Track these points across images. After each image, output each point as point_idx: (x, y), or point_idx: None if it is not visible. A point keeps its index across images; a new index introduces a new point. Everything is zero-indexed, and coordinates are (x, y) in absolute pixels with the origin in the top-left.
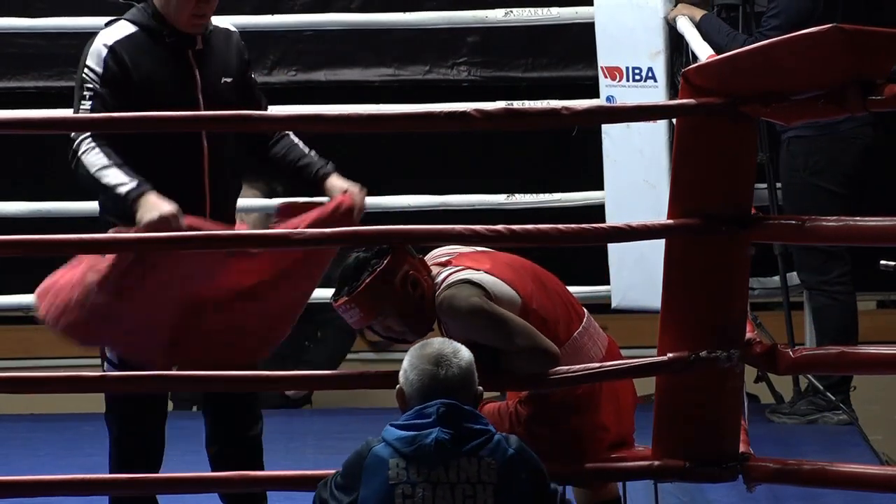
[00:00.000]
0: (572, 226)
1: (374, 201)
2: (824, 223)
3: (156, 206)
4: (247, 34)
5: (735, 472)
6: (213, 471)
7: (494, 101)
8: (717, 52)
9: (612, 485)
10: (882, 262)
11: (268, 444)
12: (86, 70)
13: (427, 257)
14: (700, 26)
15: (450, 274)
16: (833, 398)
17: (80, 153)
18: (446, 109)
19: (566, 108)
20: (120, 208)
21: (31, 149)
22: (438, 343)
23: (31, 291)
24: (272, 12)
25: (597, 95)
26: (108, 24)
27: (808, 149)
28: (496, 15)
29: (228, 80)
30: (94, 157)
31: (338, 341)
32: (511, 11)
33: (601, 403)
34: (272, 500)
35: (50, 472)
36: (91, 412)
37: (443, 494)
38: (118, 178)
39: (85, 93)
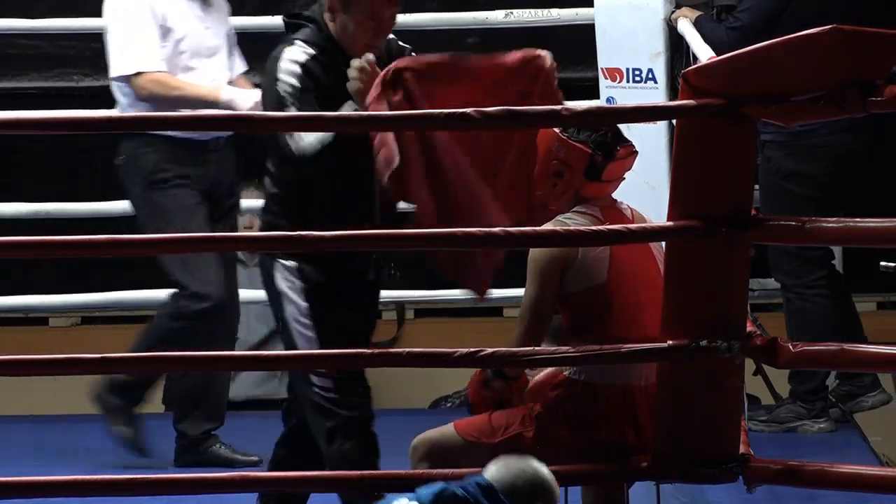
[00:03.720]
0: (571, 228)
1: None
2: (824, 224)
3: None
4: (248, 34)
5: (735, 474)
6: (270, 470)
7: None
8: (712, 48)
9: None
10: (882, 263)
11: (268, 444)
12: (281, 84)
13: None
14: (697, 28)
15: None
16: (814, 406)
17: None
18: (446, 110)
19: (566, 109)
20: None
21: (30, 149)
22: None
23: (32, 292)
24: (274, 13)
25: (597, 96)
26: (282, 45)
27: (780, 154)
28: (496, 16)
29: None
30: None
31: None
32: (511, 13)
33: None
34: None
35: (50, 473)
36: (91, 413)
37: None
38: None
39: (288, 99)
